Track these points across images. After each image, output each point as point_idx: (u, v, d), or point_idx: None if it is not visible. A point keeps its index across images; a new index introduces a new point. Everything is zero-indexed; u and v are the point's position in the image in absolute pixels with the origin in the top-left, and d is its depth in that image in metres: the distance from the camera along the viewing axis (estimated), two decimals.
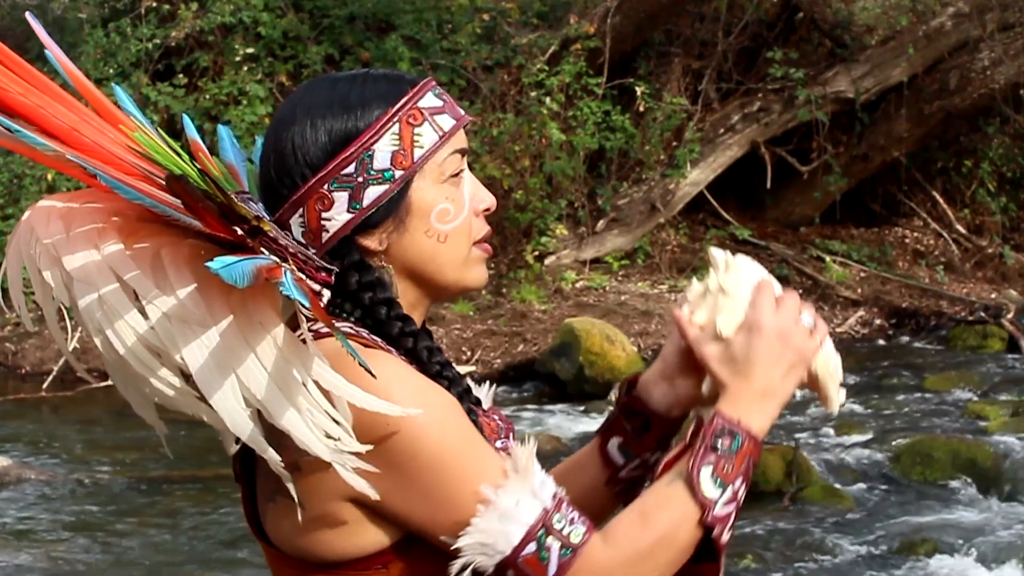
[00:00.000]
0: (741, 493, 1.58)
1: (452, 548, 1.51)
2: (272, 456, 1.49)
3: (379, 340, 1.60)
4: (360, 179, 1.60)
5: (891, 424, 8.60)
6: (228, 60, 12.06)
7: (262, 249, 1.52)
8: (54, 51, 1.66)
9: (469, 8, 12.54)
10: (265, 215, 1.61)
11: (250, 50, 12.02)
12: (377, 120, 1.60)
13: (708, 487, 1.56)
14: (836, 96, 12.42)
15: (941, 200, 13.57)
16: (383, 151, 1.60)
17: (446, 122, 1.63)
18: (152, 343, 1.49)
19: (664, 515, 1.56)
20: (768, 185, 12.33)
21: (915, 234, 13.49)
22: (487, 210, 1.68)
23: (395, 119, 1.60)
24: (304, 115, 1.61)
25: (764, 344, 1.63)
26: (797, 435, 8.09)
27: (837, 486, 7.36)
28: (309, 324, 1.52)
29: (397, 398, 1.50)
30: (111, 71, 11.99)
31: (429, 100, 1.63)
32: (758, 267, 1.70)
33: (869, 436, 8.31)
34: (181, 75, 12.11)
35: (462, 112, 1.66)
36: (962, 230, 13.44)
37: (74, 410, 9.46)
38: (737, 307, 1.66)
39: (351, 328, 1.59)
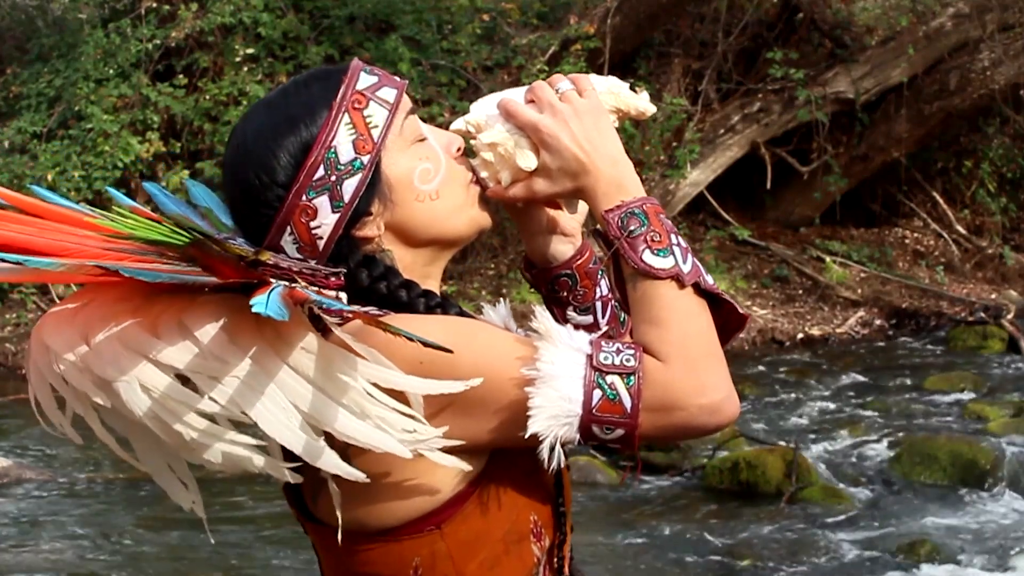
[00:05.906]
0: (682, 241, 1.61)
1: (528, 437, 1.52)
2: (342, 467, 1.50)
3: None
4: (333, 178, 1.62)
5: (891, 424, 8.59)
6: (228, 60, 12.06)
7: (269, 279, 1.52)
8: None
9: (469, 8, 12.54)
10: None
11: (250, 50, 12.02)
12: (326, 119, 1.62)
13: (660, 262, 1.59)
14: (836, 96, 12.42)
15: (941, 200, 13.57)
16: (344, 144, 1.62)
17: (388, 94, 1.66)
18: (208, 412, 1.50)
19: (661, 309, 1.58)
20: (768, 185, 12.33)
21: (915, 235, 13.49)
22: (459, 149, 1.71)
23: (342, 111, 1.63)
24: (255, 145, 1.63)
25: (561, 138, 1.65)
26: (797, 435, 8.09)
27: (837, 486, 7.35)
28: (330, 319, 1.52)
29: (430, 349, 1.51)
30: (111, 71, 11.99)
31: (365, 80, 1.66)
32: (487, 100, 1.73)
33: (869, 436, 8.30)
34: (181, 75, 12.12)
35: (397, 78, 1.69)
36: (962, 231, 13.45)
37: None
38: (515, 141, 1.68)
39: (377, 310, 1.61)
